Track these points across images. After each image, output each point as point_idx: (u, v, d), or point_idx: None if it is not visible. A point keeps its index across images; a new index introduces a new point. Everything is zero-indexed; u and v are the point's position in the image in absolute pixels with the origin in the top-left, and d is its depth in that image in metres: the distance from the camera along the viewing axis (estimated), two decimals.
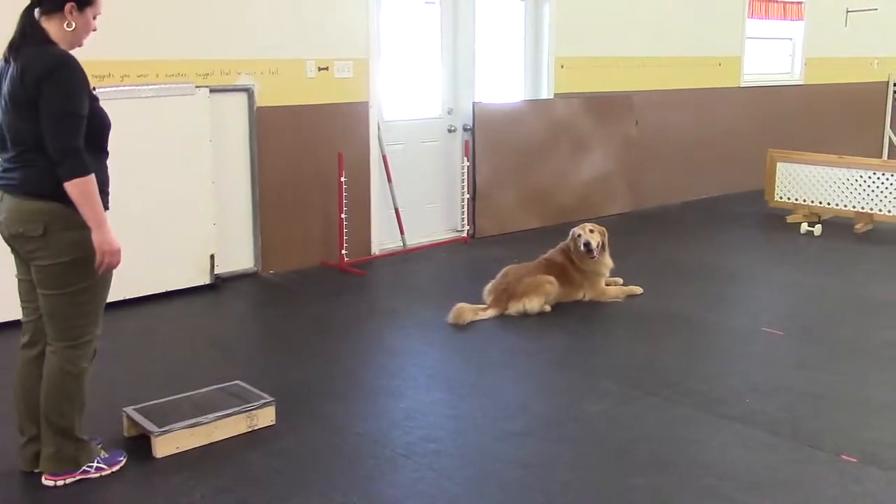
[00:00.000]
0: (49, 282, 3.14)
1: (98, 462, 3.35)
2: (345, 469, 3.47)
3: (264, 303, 6.00)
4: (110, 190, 3.25)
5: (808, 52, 10.83)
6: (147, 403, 3.77)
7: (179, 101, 5.74)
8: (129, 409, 3.70)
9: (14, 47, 3.06)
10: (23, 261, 3.23)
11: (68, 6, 3.07)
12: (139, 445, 3.57)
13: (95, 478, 3.32)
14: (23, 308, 3.34)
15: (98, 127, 3.16)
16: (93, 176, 3.04)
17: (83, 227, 3.07)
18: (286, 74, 6.34)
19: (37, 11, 3.09)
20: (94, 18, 3.18)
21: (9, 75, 3.05)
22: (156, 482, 3.36)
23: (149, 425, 3.56)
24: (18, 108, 3.03)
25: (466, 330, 5.25)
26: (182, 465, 3.48)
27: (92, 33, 3.21)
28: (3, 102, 3.09)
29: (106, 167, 3.23)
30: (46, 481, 3.27)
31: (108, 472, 3.36)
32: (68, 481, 3.28)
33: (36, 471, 3.33)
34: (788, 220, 8.46)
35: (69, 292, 3.14)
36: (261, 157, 6.28)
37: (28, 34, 3.06)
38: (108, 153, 3.25)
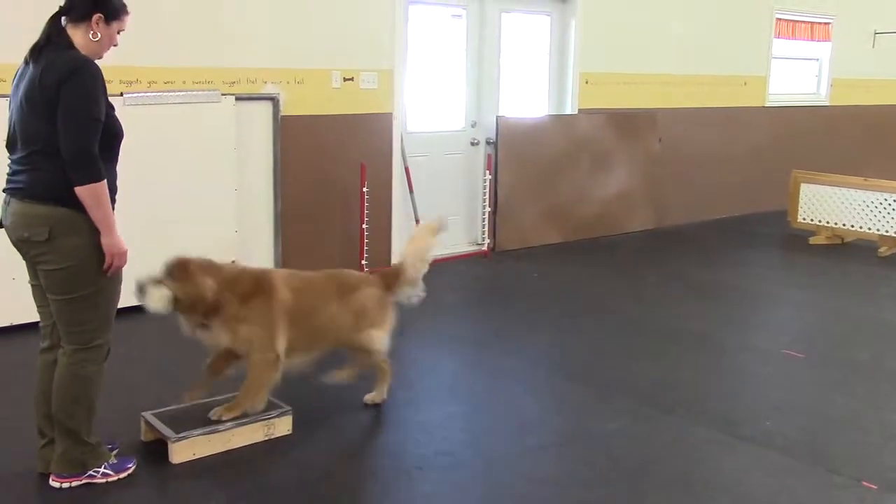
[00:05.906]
0: (56, 286, 3.16)
1: (105, 468, 3.35)
2: (360, 480, 3.47)
3: None
4: (118, 197, 3.26)
5: (835, 72, 10.77)
6: (165, 409, 3.79)
7: (205, 109, 5.77)
8: (147, 414, 3.72)
9: (37, 50, 3.10)
10: (31, 265, 3.25)
11: (96, 16, 3.12)
12: (156, 450, 3.58)
13: (102, 483, 3.32)
14: (39, 312, 3.36)
15: (111, 135, 3.18)
16: (105, 182, 3.07)
17: (88, 233, 3.10)
18: (311, 84, 6.37)
19: (63, 19, 3.13)
20: (119, 33, 3.23)
21: (27, 76, 3.09)
22: (171, 488, 3.37)
23: (166, 431, 3.57)
24: (34, 109, 3.06)
25: (484, 342, 5.23)
26: (198, 471, 3.49)
27: (113, 48, 3.25)
28: (18, 102, 3.13)
29: (115, 175, 3.25)
30: (53, 482, 3.29)
31: (115, 478, 3.35)
32: (73, 484, 3.29)
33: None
34: (811, 242, 8.40)
35: (75, 297, 3.15)
36: (284, 165, 6.31)
37: (53, 40, 3.10)
38: (117, 161, 3.27)
